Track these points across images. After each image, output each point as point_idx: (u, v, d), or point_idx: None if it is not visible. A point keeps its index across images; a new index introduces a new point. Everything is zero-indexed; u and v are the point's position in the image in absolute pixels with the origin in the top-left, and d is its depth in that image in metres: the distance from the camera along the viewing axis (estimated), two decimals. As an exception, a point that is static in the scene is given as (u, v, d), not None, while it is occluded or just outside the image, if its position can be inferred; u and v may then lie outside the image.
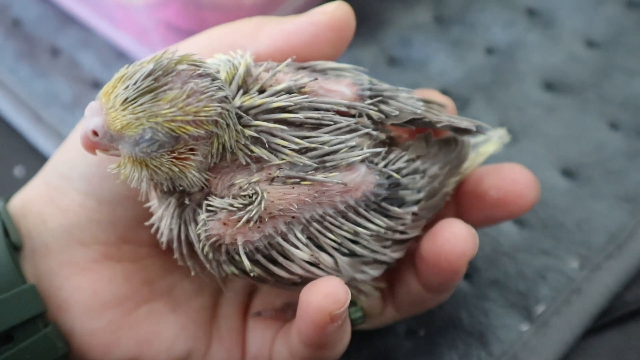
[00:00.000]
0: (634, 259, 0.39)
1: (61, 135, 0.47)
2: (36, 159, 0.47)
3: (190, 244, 0.31)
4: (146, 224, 0.32)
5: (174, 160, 0.28)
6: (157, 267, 0.35)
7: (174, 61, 0.28)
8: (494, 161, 0.36)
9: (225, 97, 0.28)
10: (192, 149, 0.28)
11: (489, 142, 0.36)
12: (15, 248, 0.33)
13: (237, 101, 0.30)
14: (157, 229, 0.31)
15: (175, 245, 0.31)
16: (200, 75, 0.28)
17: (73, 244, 0.34)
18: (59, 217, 0.34)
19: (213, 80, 0.28)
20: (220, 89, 0.28)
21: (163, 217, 0.31)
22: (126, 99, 0.27)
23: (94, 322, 0.33)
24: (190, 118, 0.27)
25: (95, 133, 0.28)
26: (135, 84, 0.27)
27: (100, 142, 0.28)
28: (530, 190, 0.33)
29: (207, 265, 0.31)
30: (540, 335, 0.38)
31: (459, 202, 0.34)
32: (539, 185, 0.34)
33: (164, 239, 0.31)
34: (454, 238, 0.31)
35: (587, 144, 0.44)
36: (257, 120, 0.29)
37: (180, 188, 0.30)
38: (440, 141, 0.32)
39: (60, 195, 0.34)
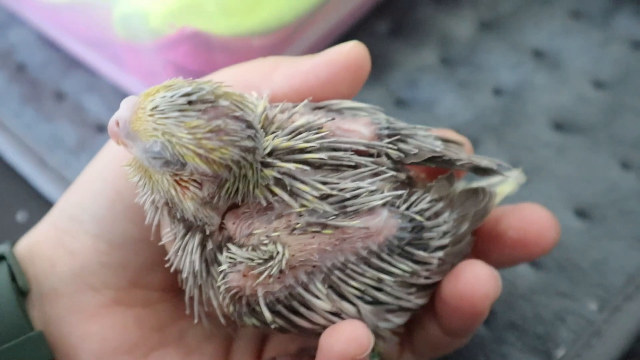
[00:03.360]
0: (653, 301, 0.39)
1: (66, 180, 0.47)
2: (40, 205, 0.47)
3: (208, 288, 0.30)
4: (166, 258, 0.31)
5: (175, 183, 0.28)
6: (169, 312, 0.34)
7: (217, 93, 0.27)
8: (507, 202, 0.36)
9: (254, 147, 0.28)
10: (196, 182, 0.28)
11: (505, 182, 0.36)
12: (22, 293, 0.32)
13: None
14: (174, 266, 0.31)
15: (196, 285, 0.30)
16: (236, 118, 0.27)
17: (83, 289, 0.33)
18: (68, 261, 0.33)
19: (248, 127, 0.27)
20: (250, 138, 0.27)
21: (182, 256, 0.30)
22: (156, 106, 0.27)
23: (103, 370, 0.32)
24: (202, 152, 0.27)
25: (117, 124, 0.28)
26: (172, 97, 0.27)
27: (118, 133, 0.28)
28: (551, 231, 0.33)
29: (221, 316, 0.30)
30: (562, 380, 0.37)
31: (477, 243, 0.34)
32: (558, 225, 0.33)
33: (187, 279, 0.30)
34: (476, 280, 0.30)
35: (600, 184, 0.43)
36: (280, 160, 0.29)
37: (197, 222, 0.29)
38: (467, 191, 0.32)
39: (69, 237, 0.33)
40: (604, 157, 0.44)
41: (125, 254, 0.33)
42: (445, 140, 0.33)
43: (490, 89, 0.48)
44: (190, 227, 0.30)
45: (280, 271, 0.29)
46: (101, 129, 0.49)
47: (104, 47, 0.46)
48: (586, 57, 0.49)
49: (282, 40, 0.44)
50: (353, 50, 0.32)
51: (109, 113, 0.49)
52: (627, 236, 0.41)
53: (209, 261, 0.30)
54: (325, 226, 0.29)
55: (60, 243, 0.33)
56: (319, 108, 0.31)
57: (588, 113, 0.46)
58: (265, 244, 0.28)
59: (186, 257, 0.30)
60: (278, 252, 0.28)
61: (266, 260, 0.28)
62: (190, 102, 0.27)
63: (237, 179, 0.28)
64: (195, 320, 0.31)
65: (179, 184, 0.28)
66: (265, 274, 0.28)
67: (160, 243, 0.31)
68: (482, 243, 0.34)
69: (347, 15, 0.49)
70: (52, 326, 0.32)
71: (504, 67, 0.49)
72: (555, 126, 0.46)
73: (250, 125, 0.28)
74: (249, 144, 0.27)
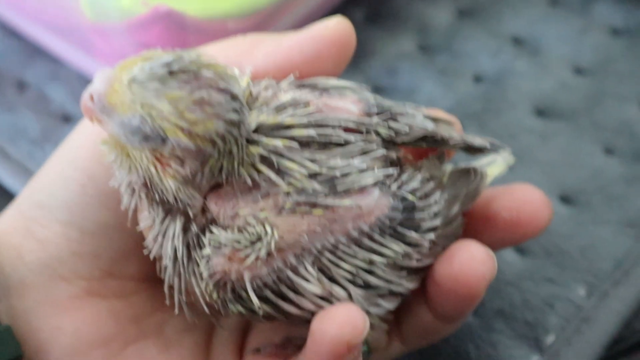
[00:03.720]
0: (641, 285, 0.38)
1: (30, 171, 0.44)
2: (1, 197, 0.44)
3: (189, 275, 0.28)
4: (145, 244, 0.29)
5: (155, 160, 0.26)
6: (145, 303, 0.32)
7: (200, 63, 0.26)
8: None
9: (239, 121, 0.26)
10: (178, 158, 0.26)
11: (494, 164, 0.35)
12: (-14, 286, 0.30)
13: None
14: (152, 253, 0.29)
15: (177, 272, 0.28)
16: (220, 89, 0.26)
17: (53, 280, 0.30)
18: (36, 250, 0.31)
19: (232, 100, 0.26)
20: (235, 111, 0.26)
21: (162, 242, 0.28)
22: (134, 78, 0.25)
23: (77, 365, 0.30)
24: (184, 125, 0.25)
25: (92, 98, 0.26)
26: (151, 67, 0.25)
27: (92, 108, 0.26)
28: (544, 210, 0.32)
29: (205, 305, 0.28)
30: (553, 368, 0.36)
31: (468, 225, 0.32)
32: (551, 205, 0.32)
33: (167, 266, 0.28)
34: (472, 260, 0.29)
35: (584, 169, 0.43)
36: (266, 137, 0.27)
37: (178, 204, 0.27)
38: (457, 171, 0.31)
39: (37, 226, 0.31)
40: (587, 143, 0.44)
41: (98, 242, 0.31)
42: (435, 119, 0.31)
43: (470, 76, 0.47)
44: (170, 210, 0.28)
45: (268, 254, 0.27)
46: (67, 118, 0.47)
47: (70, 31, 0.44)
48: (566, 44, 0.48)
49: (258, 24, 0.42)
50: (339, 26, 0.30)
51: (74, 102, 0.47)
52: (613, 221, 0.40)
53: (191, 246, 0.28)
54: (314, 206, 0.27)
55: (28, 232, 0.31)
56: (304, 86, 0.30)
57: (570, 99, 0.46)
58: (253, 225, 0.27)
59: (166, 243, 0.28)
60: (267, 233, 0.27)
61: (253, 242, 0.27)
62: (171, 73, 0.25)
63: (222, 155, 0.26)
64: (176, 311, 0.29)
65: (160, 161, 0.26)
66: (253, 256, 0.27)
67: (139, 229, 0.29)
68: (474, 225, 0.32)
69: (324, 2, 0.47)
70: (20, 320, 0.30)
71: (483, 55, 0.48)
72: (537, 113, 0.45)
73: (235, 98, 0.26)
74: (234, 117, 0.26)
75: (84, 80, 0.48)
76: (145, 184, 0.27)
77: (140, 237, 0.31)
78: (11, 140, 0.46)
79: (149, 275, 0.32)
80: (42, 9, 0.45)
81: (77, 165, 0.31)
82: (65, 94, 0.48)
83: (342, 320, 0.26)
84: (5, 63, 0.49)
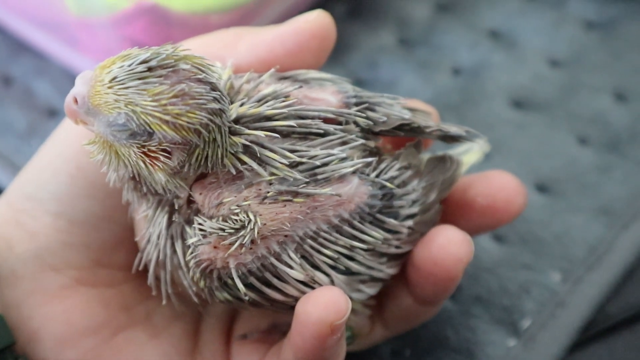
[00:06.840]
0: (614, 271, 0.39)
1: (16, 165, 0.45)
2: (-13, 192, 0.45)
3: (175, 266, 0.29)
4: (136, 239, 0.30)
5: (143, 155, 0.27)
6: (134, 292, 0.33)
7: (177, 57, 0.26)
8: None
9: (220, 110, 0.27)
10: (165, 151, 0.27)
11: (471, 152, 0.36)
12: (-22, 277, 0.31)
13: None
14: (144, 243, 0.30)
15: (161, 265, 0.29)
16: (199, 80, 0.26)
17: (43, 270, 0.31)
18: (26, 242, 0.31)
19: (212, 90, 0.27)
20: (216, 100, 0.27)
21: (152, 232, 0.29)
22: (115, 77, 0.26)
23: (68, 352, 0.31)
24: (169, 118, 0.26)
25: (75, 101, 0.26)
26: (130, 65, 0.26)
27: (77, 111, 0.27)
28: (519, 196, 0.33)
29: (193, 295, 0.29)
30: (528, 350, 0.37)
31: (446, 212, 0.34)
32: (526, 191, 0.33)
33: (152, 257, 0.29)
34: (449, 244, 0.30)
35: (559, 159, 0.44)
36: (247, 128, 0.28)
37: (166, 195, 0.28)
38: (434, 159, 0.32)
39: (27, 217, 0.32)
40: (561, 133, 0.45)
41: (87, 232, 0.32)
42: (413, 109, 0.32)
43: (449, 68, 0.48)
44: (159, 201, 0.29)
45: (252, 241, 0.28)
46: (52, 113, 0.47)
47: (55, 26, 0.44)
48: (541, 38, 0.49)
49: (240, 19, 0.43)
50: (319, 19, 0.31)
51: (60, 97, 0.48)
52: (586, 209, 0.42)
53: (175, 236, 0.29)
54: (296, 194, 0.28)
55: (18, 223, 0.32)
56: (285, 78, 0.31)
57: (545, 91, 0.47)
58: (236, 213, 0.28)
59: (154, 234, 0.29)
60: (250, 221, 0.28)
61: (237, 230, 0.28)
62: (149, 69, 0.26)
63: (207, 144, 0.27)
64: (164, 302, 0.30)
65: (148, 156, 0.27)
66: (237, 244, 0.28)
67: (136, 219, 0.30)
68: (451, 212, 0.34)
69: (305, -3, 0.48)
70: (12, 310, 0.31)
71: (461, 48, 0.49)
72: (514, 104, 0.47)
73: (214, 88, 0.27)
74: (215, 106, 0.27)
75: (70, 75, 0.48)
76: (133, 177, 0.28)
77: (129, 228, 0.32)
78: (-3, 135, 0.46)
79: (138, 265, 0.33)
80: (26, 4, 0.45)
81: (66, 157, 0.32)
82: (50, 88, 0.48)
83: (326, 303, 0.27)
84: (-10, 58, 0.50)
